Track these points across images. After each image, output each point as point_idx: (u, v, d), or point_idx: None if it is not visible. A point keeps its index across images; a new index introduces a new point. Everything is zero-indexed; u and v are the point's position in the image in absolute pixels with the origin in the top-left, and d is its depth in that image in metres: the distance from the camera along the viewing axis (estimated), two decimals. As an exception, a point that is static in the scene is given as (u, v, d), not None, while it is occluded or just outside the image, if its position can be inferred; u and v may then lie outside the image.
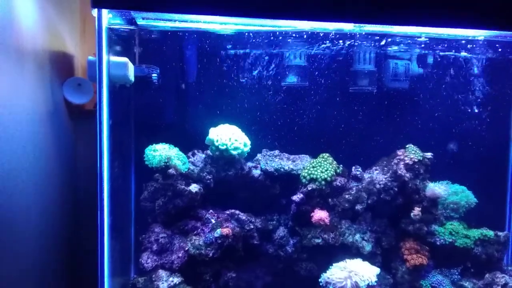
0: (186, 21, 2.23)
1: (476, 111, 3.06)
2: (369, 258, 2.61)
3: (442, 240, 2.67)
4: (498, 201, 3.07)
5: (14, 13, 1.78)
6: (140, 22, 2.29)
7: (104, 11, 1.93)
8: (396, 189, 2.66)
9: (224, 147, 2.57)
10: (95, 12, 1.90)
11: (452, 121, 3.07)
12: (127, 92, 2.68)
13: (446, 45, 2.85)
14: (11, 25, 1.76)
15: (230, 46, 2.82)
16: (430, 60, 2.98)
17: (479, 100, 3.05)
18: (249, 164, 2.74)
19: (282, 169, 2.74)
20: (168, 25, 2.33)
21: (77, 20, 2.59)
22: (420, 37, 2.65)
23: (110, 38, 2.05)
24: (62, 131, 2.40)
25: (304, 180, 2.68)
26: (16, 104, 1.82)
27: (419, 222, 2.65)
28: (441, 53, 2.94)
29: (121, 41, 2.43)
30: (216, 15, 2.07)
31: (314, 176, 2.66)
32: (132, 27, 2.37)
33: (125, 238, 2.75)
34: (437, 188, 2.67)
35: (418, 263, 2.58)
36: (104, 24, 1.94)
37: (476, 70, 3.02)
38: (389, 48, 2.87)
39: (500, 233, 2.72)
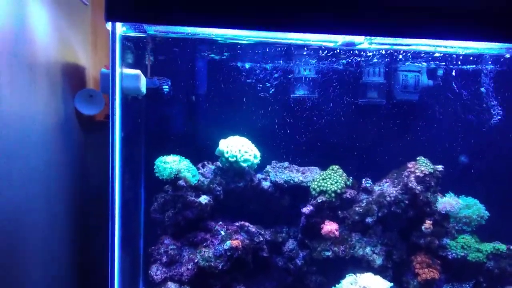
0: (198, 34, 2.24)
1: (488, 123, 3.03)
2: (380, 271, 2.58)
3: (454, 254, 2.64)
4: (510, 215, 3.02)
5: (27, 26, 1.80)
6: (152, 33, 2.30)
7: (118, 25, 1.94)
8: (407, 201, 2.64)
9: (234, 159, 2.57)
10: (109, 25, 1.92)
11: (463, 134, 3.05)
12: (139, 104, 2.69)
13: (455, 58, 2.84)
14: (25, 38, 1.78)
15: (240, 58, 2.82)
16: (440, 72, 2.96)
17: (490, 112, 3.03)
18: (259, 175, 2.74)
19: (291, 181, 2.73)
20: (180, 36, 2.33)
21: (89, 32, 2.61)
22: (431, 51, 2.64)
23: (123, 51, 2.06)
24: (72, 141, 2.41)
25: (313, 192, 2.66)
26: (29, 115, 1.83)
27: (430, 236, 2.62)
28: (451, 66, 2.92)
29: (133, 54, 2.45)
30: (225, 28, 2.08)
31: (324, 188, 2.64)
32: (143, 35, 2.37)
33: (135, 249, 2.74)
34: (449, 201, 2.65)
35: (429, 277, 2.55)
36: (117, 38, 1.95)
37: (486, 83, 3.00)
38: (399, 61, 2.87)
39: (513, 247, 2.69)
